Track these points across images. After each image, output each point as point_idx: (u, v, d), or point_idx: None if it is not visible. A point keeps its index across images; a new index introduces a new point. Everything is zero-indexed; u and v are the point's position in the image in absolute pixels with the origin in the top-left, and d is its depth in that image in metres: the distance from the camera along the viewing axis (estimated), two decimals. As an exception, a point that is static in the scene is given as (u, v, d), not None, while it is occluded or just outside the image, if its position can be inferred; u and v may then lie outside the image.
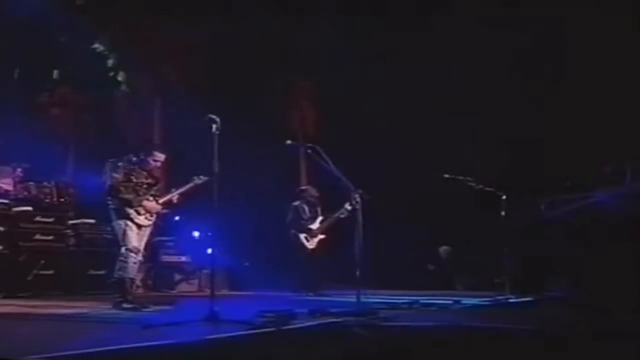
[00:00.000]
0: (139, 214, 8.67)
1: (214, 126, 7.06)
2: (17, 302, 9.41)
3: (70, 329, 6.71)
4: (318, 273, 11.88)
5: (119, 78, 14.75)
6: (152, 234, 9.19)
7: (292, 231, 11.97)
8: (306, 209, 12.10)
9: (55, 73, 14.18)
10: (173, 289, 12.58)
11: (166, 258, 12.85)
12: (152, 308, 8.39)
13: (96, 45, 14.41)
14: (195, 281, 13.09)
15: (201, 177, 8.82)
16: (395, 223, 13.52)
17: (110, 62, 14.62)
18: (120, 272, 8.49)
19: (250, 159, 13.87)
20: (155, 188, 8.89)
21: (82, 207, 12.03)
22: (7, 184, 11.59)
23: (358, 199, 8.05)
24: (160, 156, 8.88)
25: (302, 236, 11.97)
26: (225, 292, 12.26)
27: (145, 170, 8.81)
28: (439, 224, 13.56)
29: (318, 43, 14.57)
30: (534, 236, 11.24)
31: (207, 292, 12.14)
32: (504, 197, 10.57)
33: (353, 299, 7.94)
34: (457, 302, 9.42)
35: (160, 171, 9.04)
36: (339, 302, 8.73)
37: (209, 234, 13.60)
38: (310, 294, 11.35)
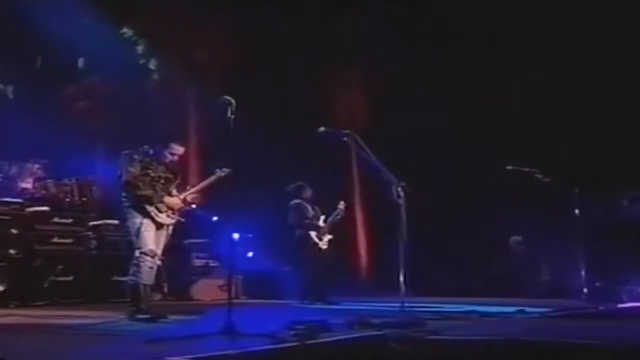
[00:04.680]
0: (160, 211, 8.33)
1: (229, 110, 6.85)
2: (30, 312, 9.25)
3: (66, 342, 6.53)
4: (331, 278, 11.50)
5: (150, 66, 14.54)
6: (172, 236, 8.74)
7: (299, 231, 11.55)
8: (309, 207, 11.71)
9: (81, 62, 13.93)
10: (206, 297, 12.14)
11: (198, 262, 12.42)
12: (171, 318, 8.13)
13: (124, 31, 14.12)
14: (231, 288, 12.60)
15: (224, 169, 8.52)
16: (450, 220, 13.36)
17: (140, 49, 14.40)
18: (134, 278, 8.18)
19: (293, 151, 13.45)
20: (174, 184, 8.55)
21: (109, 207, 11.78)
22: (28, 183, 11.55)
23: (401, 193, 7.54)
24: (179, 149, 8.52)
25: (313, 234, 11.55)
26: (262, 300, 11.95)
27: (163, 164, 8.46)
28: (502, 222, 13.14)
29: (367, 28, 14.36)
30: (614, 236, 10.70)
31: (244, 300, 12.07)
32: (577, 191, 10.27)
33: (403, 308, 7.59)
34: (522, 311, 8.92)
35: (178, 166, 8.69)
36: (384, 311, 8.38)
37: (250, 236, 13.37)
38: (318, 303, 10.97)
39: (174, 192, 8.50)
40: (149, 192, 8.24)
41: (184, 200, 8.57)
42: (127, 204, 8.32)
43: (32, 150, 12.06)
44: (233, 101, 6.83)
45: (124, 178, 8.28)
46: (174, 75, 14.53)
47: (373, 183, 9.35)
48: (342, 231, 13.00)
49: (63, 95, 14.31)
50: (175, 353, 5.11)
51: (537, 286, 12.79)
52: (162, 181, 8.40)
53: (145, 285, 8.18)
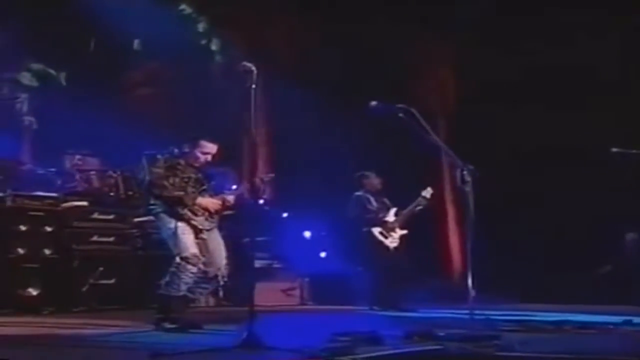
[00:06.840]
0: (195, 214, 7.84)
1: (249, 78, 6.54)
2: (60, 319, 8.98)
3: (67, 354, 6.30)
4: (403, 281, 10.72)
5: (213, 46, 14.08)
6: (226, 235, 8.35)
7: (364, 229, 10.89)
8: (371, 199, 11.03)
9: (136, 43, 13.54)
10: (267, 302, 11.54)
11: (258, 263, 11.80)
12: (205, 328, 7.67)
13: (183, 7, 13.74)
14: (296, 292, 12.15)
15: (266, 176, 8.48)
16: (545, 213, 12.72)
17: (200, 27, 13.96)
18: (168, 287, 7.73)
19: (375, 137, 13.08)
20: (205, 186, 8.02)
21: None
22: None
23: (467, 177, 6.76)
24: (211, 146, 7.97)
25: (377, 231, 10.87)
26: (329, 306, 11.41)
27: (193, 166, 7.96)
28: (610, 215, 12.33)
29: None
30: None
31: (311, 306, 11.48)
32: None
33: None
34: (629, 322, 8.02)
35: (211, 167, 8.13)
36: (459, 320, 7.78)
37: (323, 233, 12.75)
38: (390, 309, 10.35)
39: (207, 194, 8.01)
40: (179, 193, 7.78)
41: (223, 202, 8.04)
42: (156, 210, 7.92)
43: (85, 140, 11.80)
44: (254, 68, 6.46)
45: (148, 178, 7.97)
46: (238, 56, 13.97)
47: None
48: (431, 226, 12.51)
49: (120, 81, 13.97)
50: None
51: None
52: (192, 183, 7.92)
53: (181, 297, 7.74)
